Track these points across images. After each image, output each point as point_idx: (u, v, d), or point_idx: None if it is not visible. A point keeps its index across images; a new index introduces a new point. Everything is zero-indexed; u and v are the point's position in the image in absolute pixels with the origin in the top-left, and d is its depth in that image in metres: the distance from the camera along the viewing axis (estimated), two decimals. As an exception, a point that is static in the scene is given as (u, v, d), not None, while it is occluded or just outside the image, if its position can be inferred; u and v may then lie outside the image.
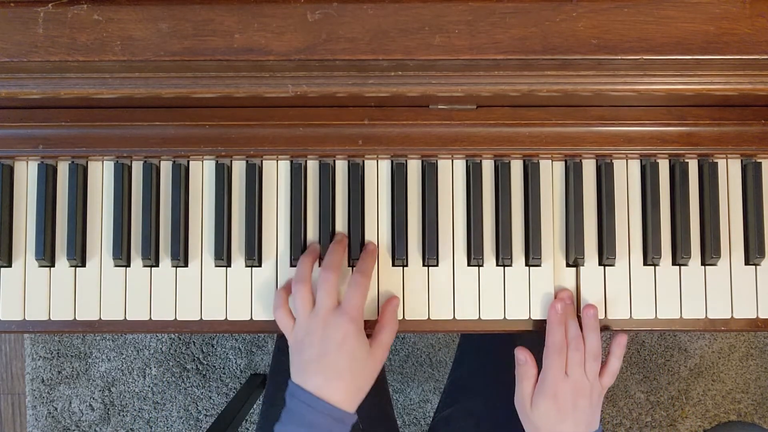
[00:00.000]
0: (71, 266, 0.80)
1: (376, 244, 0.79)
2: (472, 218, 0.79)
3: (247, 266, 0.80)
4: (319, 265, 0.77)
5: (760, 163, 0.80)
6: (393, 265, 0.80)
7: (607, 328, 0.80)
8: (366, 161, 0.80)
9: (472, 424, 0.92)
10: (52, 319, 0.79)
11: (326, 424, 0.68)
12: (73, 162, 0.79)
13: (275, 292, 0.78)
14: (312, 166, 0.80)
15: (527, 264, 0.80)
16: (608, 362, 0.79)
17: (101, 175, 0.80)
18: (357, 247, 0.79)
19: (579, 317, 0.79)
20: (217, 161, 0.80)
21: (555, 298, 0.79)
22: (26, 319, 0.80)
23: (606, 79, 0.69)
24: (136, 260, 0.80)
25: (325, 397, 0.69)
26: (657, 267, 0.80)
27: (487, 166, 0.80)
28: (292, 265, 0.80)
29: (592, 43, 0.66)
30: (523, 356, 0.78)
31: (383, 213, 0.80)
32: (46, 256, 0.79)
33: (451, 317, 0.80)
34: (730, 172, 0.80)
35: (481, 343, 1.02)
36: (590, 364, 0.77)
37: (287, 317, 0.75)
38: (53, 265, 0.80)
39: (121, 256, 0.79)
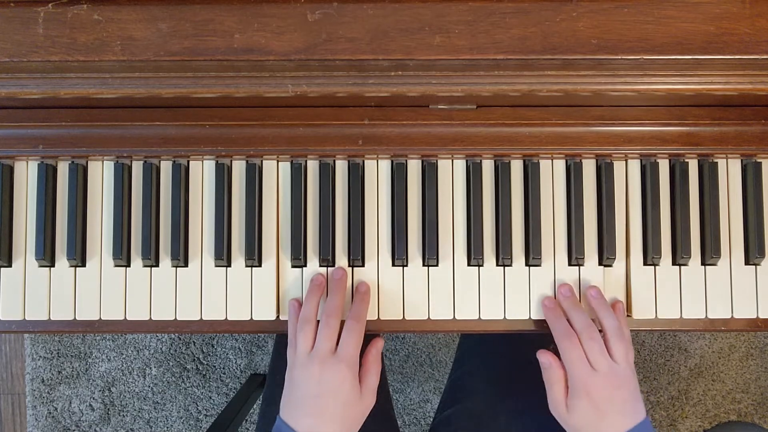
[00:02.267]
0: (71, 266, 0.80)
1: (366, 283, 0.79)
2: (472, 218, 0.79)
3: (247, 266, 0.80)
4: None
5: (760, 163, 0.80)
6: (393, 265, 0.80)
7: None
8: (366, 161, 0.80)
9: (473, 425, 0.92)
10: (52, 319, 0.79)
11: None
12: (73, 162, 0.79)
13: (289, 324, 0.78)
14: (312, 166, 0.80)
15: (527, 264, 0.80)
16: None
17: (101, 175, 0.80)
18: (357, 247, 0.79)
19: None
20: (217, 161, 0.80)
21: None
22: (26, 319, 0.80)
23: (606, 79, 0.69)
24: (136, 260, 0.80)
25: None
26: (657, 267, 0.80)
27: (487, 166, 0.80)
28: (293, 266, 0.80)
29: (592, 43, 0.66)
30: (546, 359, 0.75)
31: (383, 213, 0.80)
32: (46, 256, 0.79)
33: (451, 317, 0.80)
34: (730, 172, 0.80)
35: (482, 343, 1.02)
36: (615, 345, 0.73)
37: (293, 351, 0.76)
38: (53, 265, 0.80)
39: (121, 256, 0.79)
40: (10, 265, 0.80)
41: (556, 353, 0.76)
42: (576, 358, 0.73)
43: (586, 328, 0.74)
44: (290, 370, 0.75)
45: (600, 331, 0.75)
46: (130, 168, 0.80)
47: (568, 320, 0.76)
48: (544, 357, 0.76)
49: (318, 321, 0.76)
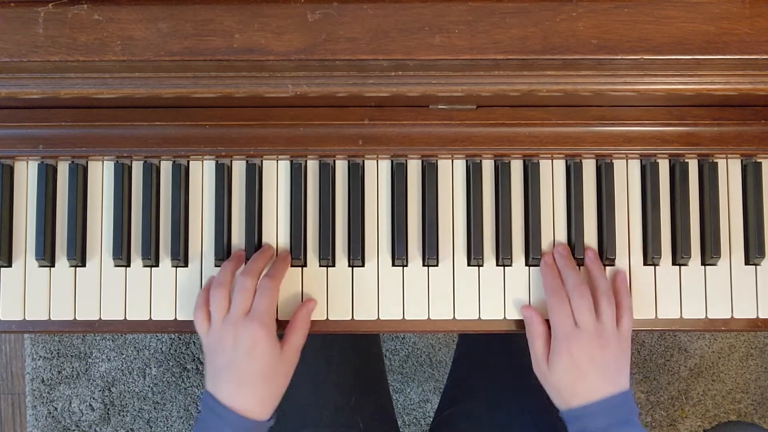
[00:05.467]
0: (71, 266, 0.80)
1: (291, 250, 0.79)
2: (472, 218, 0.79)
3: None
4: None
5: (760, 163, 0.80)
6: (393, 265, 0.80)
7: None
8: (366, 161, 0.80)
9: (473, 424, 0.92)
10: (52, 319, 0.79)
11: None
12: (73, 162, 0.79)
13: (199, 292, 0.78)
14: (312, 166, 0.80)
15: (527, 264, 0.80)
16: (618, 301, 0.75)
17: (101, 175, 0.80)
18: (357, 248, 0.79)
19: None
20: (217, 161, 0.80)
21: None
22: (26, 319, 0.80)
23: (606, 79, 0.69)
24: (136, 260, 0.80)
25: (237, 406, 0.69)
26: (657, 267, 0.80)
27: (487, 166, 0.80)
28: (292, 266, 0.80)
29: (592, 43, 0.66)
30: (528, 313, 0.76)
31: (383, 213, 0.80)
32: (46, 256, 0.79)
33: (451, 317, 0.80)
34: (730, 172, 0.80)
35: (480, 343, 1.02)
36: (603, 305, 0.73)
37: (205, 320, 0.74)
38: (53, 265, 0.80)
39: (121, 256, 0.79)
40: (10, 265, 0.80)
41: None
42: (561, 313, 0.73)
43: (577, 286, 0.74)
44: (206, 340, 0.73)
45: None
46: (130, 168, 0.80)
47: (561, 278, 0.77)
48: (526, 311, 0.77)
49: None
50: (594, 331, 0.72)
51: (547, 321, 0.76)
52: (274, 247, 0.80)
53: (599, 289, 0.75)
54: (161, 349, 1.51)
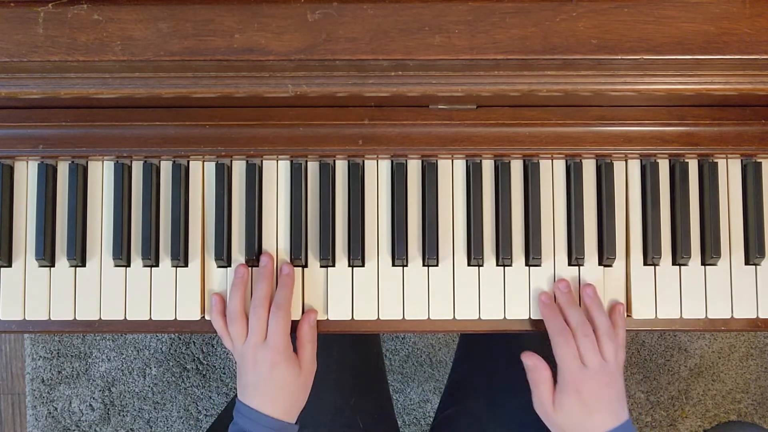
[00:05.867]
0: (71, 266, 0.80)
1: (291, 264, 0.79)
2: (472, 218, 0.79)
3: (247, 266, 0.80)
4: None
5: (760, 163, 0.80)
6: (393, 265, 0.80)
7: None
8: (366, 161, 0.80)
9: (473, 425, 0.92)
10: (52, 319, 0.79)
11: None
12: (73, 162, 0.79)
13: (212, 317, 0.79)
14: (312, 166, 0.80)
15: (527, 264, 0.80)
16: (614, 334, 0.76)
17: (101, 175, 0.80)
18: (357, 248, 0.79)
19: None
20: (217, 161, 0.80)
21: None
22: (26, 319, 0.80)
23: (606, 79, 0.69)
24: (136, 260, 0.80)
25: (266, 413, 0.76)
26: (657, 267, 0.80)
27: (487, 166, 0.80)
28: (293, 266, 0.80)
29: (592, 43, 0.66)
30: (531, 362, 0.77)
31: (383, 213, 0.80)
32: (46, 256, 0.79)
33: (451, 317, 0.80)
34: (730, 172, 0.80)
35: (481, 343, 1.02)
36: (605, 344, 0.75)
37: (230, 344, 0.79)
38: (53, 265, 0.80)
39: (121, 256, 0.79)
40: (10, 265, 0.80)
41: (538, 352, 0.77)
42: (568, 354, 0.74)
43: (581, 326, 0.75)
44: (234, 355, 0.79)
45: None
46: (130, 168, 0.80)
47: (564, 316, 0.77)
48: (529, 359, 0.77)
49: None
50: (600, 369, 0.74)
51: (551, 364, 0.76)
52: (274, 249, 0.80)
53: (600, 328, 0.76)
54: (161, 349, 1.51)
